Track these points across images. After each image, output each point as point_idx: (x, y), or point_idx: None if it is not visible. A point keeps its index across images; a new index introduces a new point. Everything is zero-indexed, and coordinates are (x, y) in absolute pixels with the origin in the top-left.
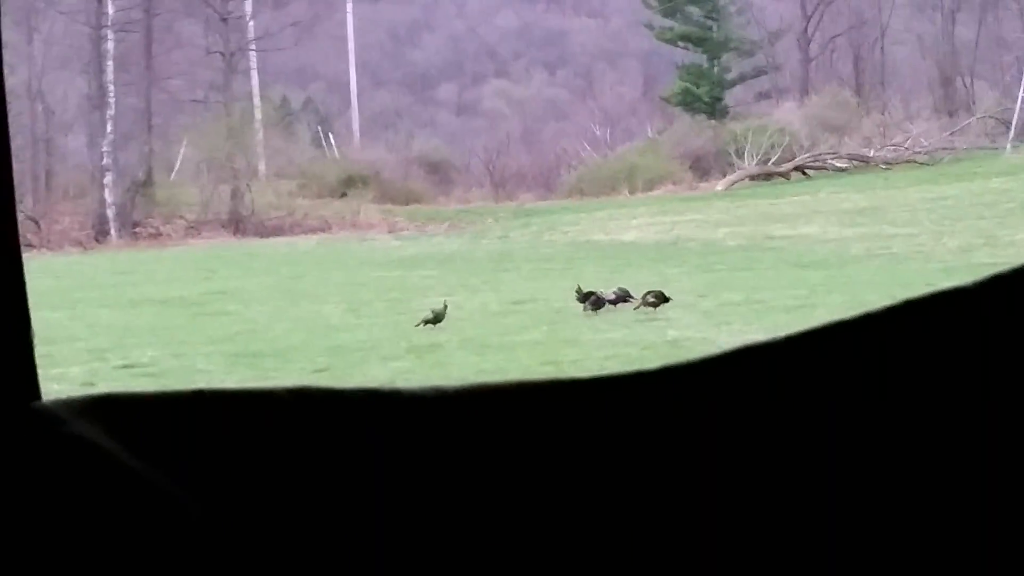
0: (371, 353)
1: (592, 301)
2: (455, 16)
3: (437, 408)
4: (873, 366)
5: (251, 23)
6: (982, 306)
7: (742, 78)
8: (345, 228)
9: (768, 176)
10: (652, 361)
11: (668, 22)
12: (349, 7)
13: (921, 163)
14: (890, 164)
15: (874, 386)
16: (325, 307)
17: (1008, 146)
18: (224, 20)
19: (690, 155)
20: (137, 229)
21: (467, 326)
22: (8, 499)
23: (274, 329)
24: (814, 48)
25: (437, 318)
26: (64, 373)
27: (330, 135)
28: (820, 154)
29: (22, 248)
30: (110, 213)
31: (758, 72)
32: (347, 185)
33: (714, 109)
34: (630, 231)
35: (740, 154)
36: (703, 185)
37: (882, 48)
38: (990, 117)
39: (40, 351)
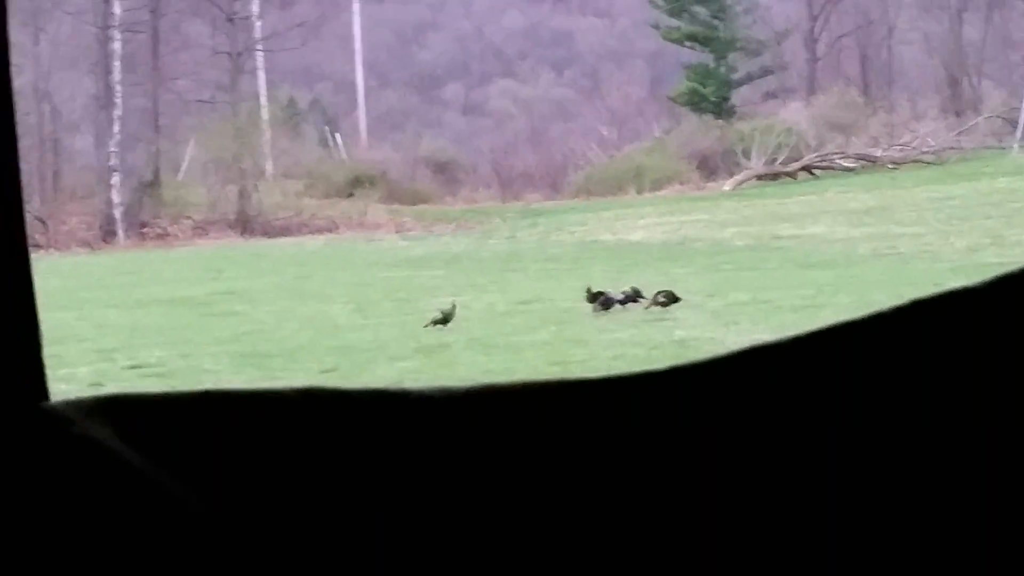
0: (378, 353)
1: (602, 301)
2: (462, 16)
3: (445, 409)
4: (881, 366)
5: (258, 23)
6: (990, 306)
7: (749, 78)
8: (352, 228)
9: (775, 176)
10: (660, 361)
11: (675, 22)
12: (355, 7)
13: (928, 163)
14: (897, 164)
15: (882, 387)
16: (332, 307)
17: (1015, 146)
18: (231, 20)
19: (697, 155)
20: (144, 229)
21: (474, 326)
22: (17, 500)
23: (281, 329)
24: (821, 48)
25: (446, 318)
26: (72, 373)
27: (337, 135)
28: (827, 154)
29: (30, 248)
30: (117, 213)
31: (765, 72)
32: (354, 185)
33: (721, 109)
34: (637, 231)
35: (747, 154)
36: (710, 185)
37: (889, 48)
38: (997, 117)
39: (48, 351)
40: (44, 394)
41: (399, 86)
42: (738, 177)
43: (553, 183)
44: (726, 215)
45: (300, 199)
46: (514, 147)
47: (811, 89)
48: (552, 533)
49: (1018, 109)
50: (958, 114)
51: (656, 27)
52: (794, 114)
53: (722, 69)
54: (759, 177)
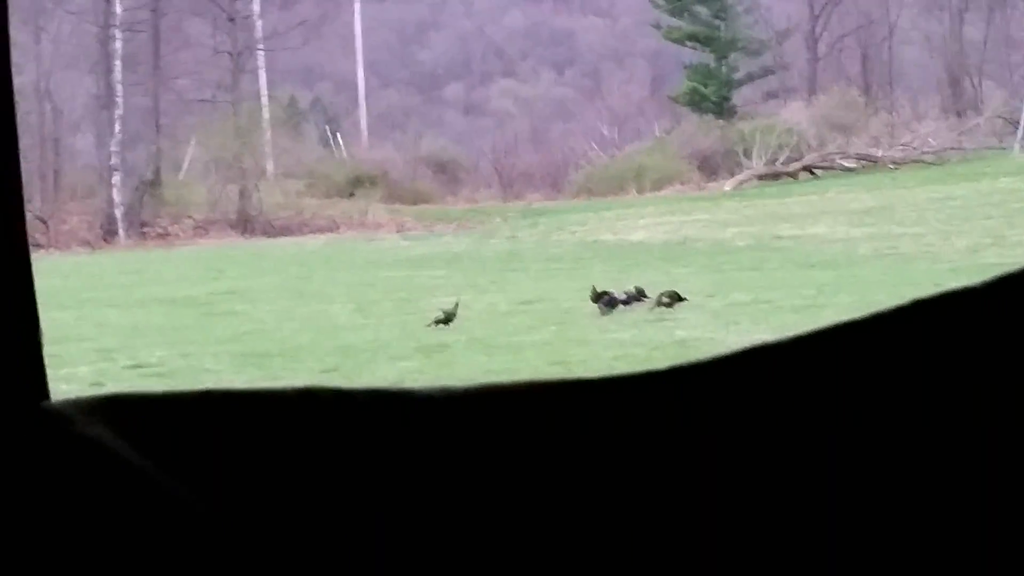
0: (379, 353)
1: (606, 301)
2: (462, 16)
3: (446, 409)
4: (882, 367)
5: (259, 23)
6: (991, 306)
7: (750, 78)
8: (353, 228)
9: (776, 176)
10: (661, 361)
11: (676, 21)
12: (356, 7)
13: (929, 163)
14: (898, 164)
15: (883, 387)
16: (333, 307)
17: (1016, 146)
18: (232, 20)
19: (698, 155)
20: (145, 229)
21: (475, 326)
22: (17, 499)
23: (282, 329)
24: (822, 48)
25: (448, 318)
26: (73, 373)
27: (338, 135)
28: (828, 154)
29: (30, 248)
30: (118, 213)
31: (766, 72)
32: (355, 185)
33: (722, 109)
34: (638, 231)
35: (748, 154)
36: (711, 185)
37: (890, 48)
38: (998, 117)
39: (48, 351)
40: (44, 393)
41: (400, 86)
42: (739, 177)
43: (554, 183)
44: (727, 215)
45: (301, 199)
46: (515, 147)
47: (812, 89)
48: (554, 533)
49: (1019, 109)
50: (959, 114)
51: (657, 27)
52: (795, 114)
53: (723, 69)
54: (760, 177)
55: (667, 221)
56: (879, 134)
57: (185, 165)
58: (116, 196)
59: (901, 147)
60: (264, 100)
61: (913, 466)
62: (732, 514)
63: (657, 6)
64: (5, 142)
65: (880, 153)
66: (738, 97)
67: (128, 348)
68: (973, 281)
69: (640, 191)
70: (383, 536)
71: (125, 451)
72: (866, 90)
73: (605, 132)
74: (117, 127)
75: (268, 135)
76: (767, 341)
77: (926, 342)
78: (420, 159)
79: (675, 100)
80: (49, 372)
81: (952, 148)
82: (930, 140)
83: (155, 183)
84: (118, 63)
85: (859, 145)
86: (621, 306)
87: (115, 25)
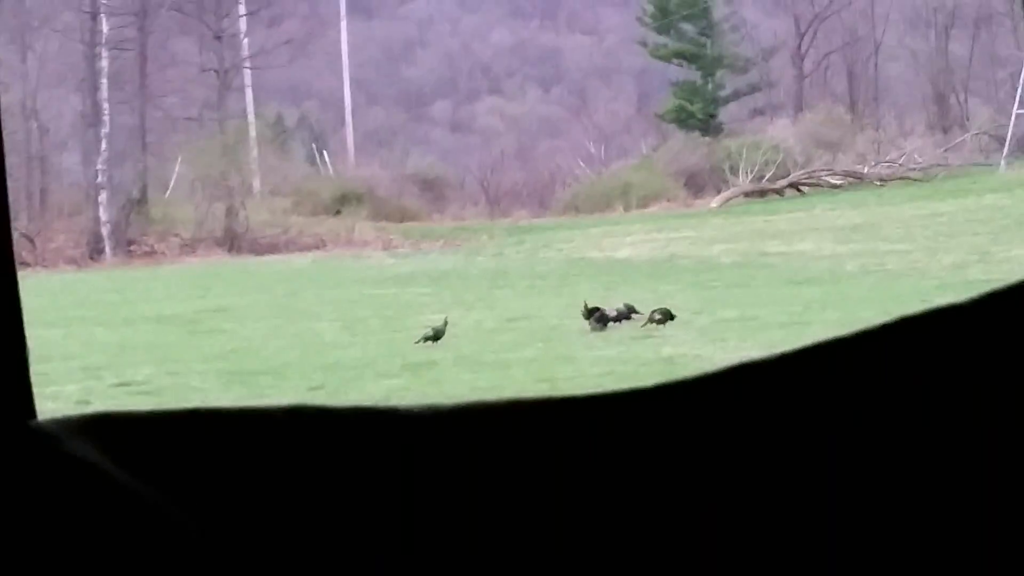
0: (366, 371)
1: (597, 317)
2: (449, 34)
3: (432, 426)
4: (869, 383)
5: (245, 41)
6: (977, 323)
7: (736, 95)
8: (340, 245)
9: (762, 193)
10: (648, 378)
11: (662, 39)
12: (343, 24)
13: (915, 179)
14: (884, 180)
15: (870, 403)
16: (320, 325)
17: (1002, 162)
18: (218, 38)
19: (684, 172)
20: (132, 247)
21: (462, 343)
22: (4, 517)
23: (269, 347)
24: (808, 65)
25: (437, 335)
26: (59, 391)
27: (324, 152)
28: (814, 171)
29: (17, 266)
30: (105, 231)
31: (752, 89)
32: (341, 202)
33: (708, 126)
34: (625, 248)
35: (734, 171)
36: (698, 202)
37: (876, 65)
38: (984, 134)
39: (35, 369)
40: (31, 412)
41: (387, 103)
42: (725, 194)
43: (541, 200)
44: (713, 232)
45: (287, 216)
46: (501, 164)
47: (798, 106)
48: (540, 549)
49: (1005, 126)
50: (945, 131)
51: (644, 44)
52: (781, 131)
53: (709, 86)
54: (746, 194)
55: (654, 238)
56: (865, 151)
57: (172, 183)
58: (103, 214)
59: (887, 164)
60: (251, 118)
61: (901, 481)
62: (720, 530)
63: (643, 24)
64: None
65: (866, 170)
66: (724, 114)
67: (115, 366)
68: (960, 298)
69: (627, 208)
70: (370, 552)
71: (112, 470)
72: (852, 107)
73: (592, 149)
74: (104, 145)
75: (255, 153)
76: (754, 358)
77: (913, 359)
78: (407, 176)
79: (662, 117)
80: (35, 390)
81: (938, 165)
82: (916, 157)
83: (142, 201)
84: (104, 81)
85: (845, 162)
86: (612, 323)
87: (101, 44)
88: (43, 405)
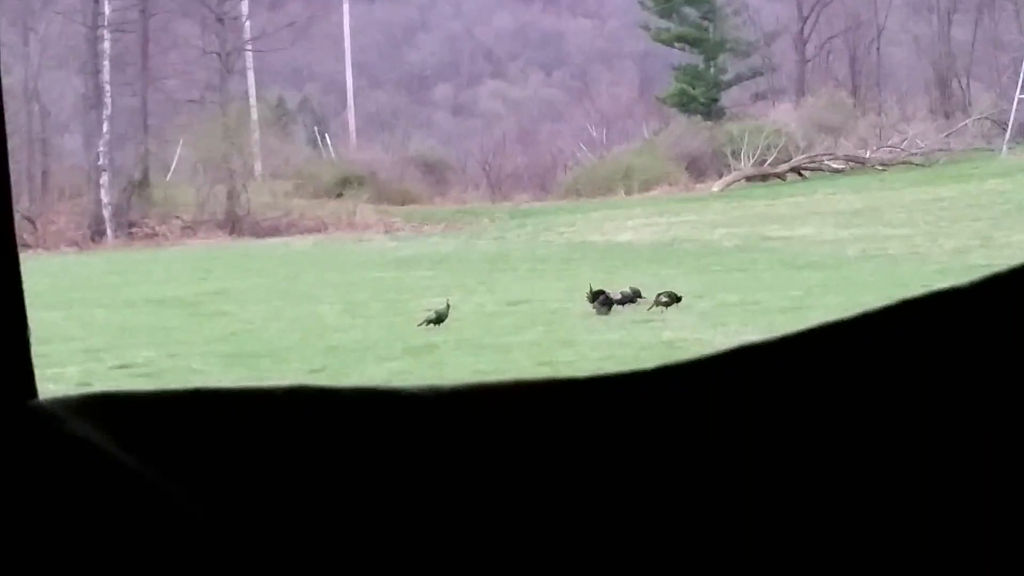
0: (367, 353)
1: (602, 300)
2: (451, 17)
3: (433, 407)
4: (870, 366)
5: (247, 23)
6: (979, 306)
7: (738, 79)
8: (341, 228)
9: (764, 177)
10: (649, 362)
11: (664, 23)
12: (345, 8)
13: (917, 164)
14: (886, 165)
15: (870, 386)
16: (321, 307)
17: (1004, 148)
18: (220, 20)
19: (686, 156)
20: (133, 229)
21: (463, 327)
22: (5, 497)
23: (270, 329)
24: (810, 49)
25: (440, 318)
26: (60, 373)
27: (326, 135)
28: (816, 155)
29: (18, 248)
30: (106, 213)
31: (754, 73)
32: (343, 185)
33: (710, 110)
34: (626, 232)
35: (736, 155)
36: (699, 186)
37: (878, 49)
38: (986, 118)
39: (36, 351)
40: (32, 392)
41: (388, 86)
42: (727, 178)
43: (542, 184)
44: (715, 216)
45: (289, 199)
46: (503, 148)
47: (800, 90)
48: (541, 531)
49: (1007, 111)
50: (947, 116)
51: (646, 28)
52: (783, 115)
53: (711, 70)
54: (748, 178)
55: (655, 222)
56: (867, 136)
57: (173, 165)
58: (104, 196)
59: (889, 149)
60: (252, 101)
61: (902, 465)
62: (719, 513)
63: (646, 8)
64: None
65: (868, 154)
66: (726, 98)
67: (116, 348)
68: (961, 282)
69: (628, 192)
70: (372, 534)
71: (112, 449)
72: (854, 92)
73: (593, 133)
74: (105, 127)
75: (256, 136)
76: (755, 341)
77: (914, 341)
78: (408, 160)
79: (663, 101)
80: (36, 372)
81: (940, 150)
82: (918, 142)
83: (143, 183)
84: (106, 63)
85: (847, 147)
86: (617, 306)
87: (103, 26)
88: (44, 387)
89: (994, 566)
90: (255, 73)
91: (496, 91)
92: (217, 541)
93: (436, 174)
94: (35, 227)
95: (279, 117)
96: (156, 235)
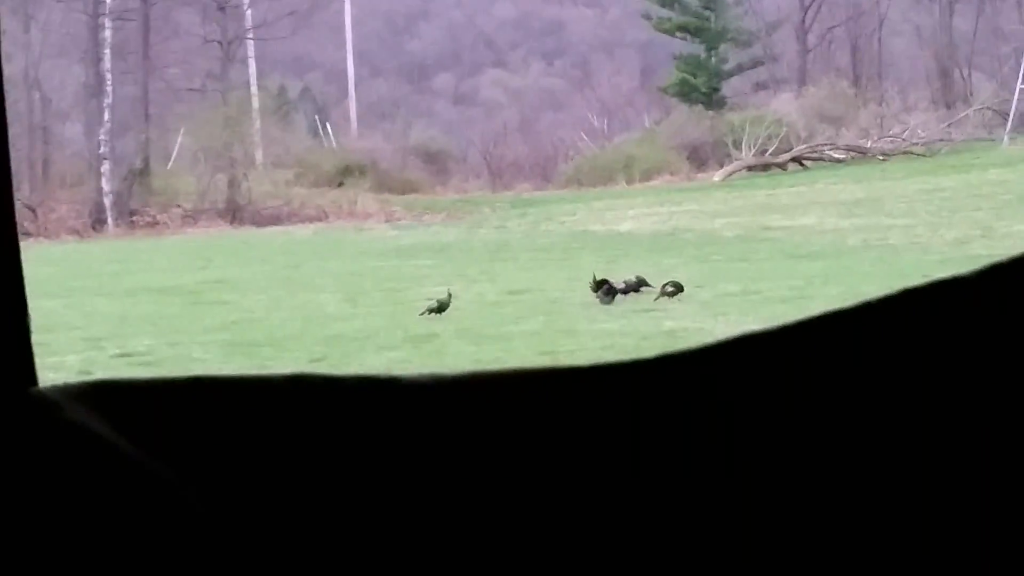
0: (368, 342)
1: (606, 290)
2: (453, 6)
3: (434, 395)
4: (871, 355)
5: (248, 12)
6: (981, 295)
7: (740, 69)
8: (342, 217)
9: (765, 167)
10: (649, 351)
11: (666, 12)
12: None
13: (918, 154)
14: (887, 155)
15: (872, 375)
16: (322, 296)
17: (1005, 138)
18: (222, 9)
19: (687, 146)
20: (134, 218)
21: (464, 316)
22: (5, 485)
23: (271, 318)
24: (812, 39)
25: (441, 307)
26: (61, 362)
27: (327, 124)
28: (817, 145)
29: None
30: (107, 202)
31: (756, 63)
32: (344, 174)
33: (711, 100)
34: (627, 221)
35: (737, 145)
36: (700, 176)
37: (880, 39)
38: (987, 109)
39: (36, 339)
40: (33, 380)
41: (390, 75)
42: (728, 168)
43: (543, 173)
44: (716, 206)
45: (290, 188)
46: (504, 137)
47: (802, 80)
48: (543, 520)
49: (1008, 101)
50: (948, 106)
51: (647, 17)
52: (784, 105)
53: (713, 60)
54: (749, 168)
55: (656, 212)
56: (868, 125)
57: (174, 154)
58: (105, 185)
59: (890, 139)
60: (253, 89)
61: (902, 454)
62: (720, 502)
63: None
64: None
65: (869, 144)
66: (728, 88)
67: (116, 337)
68: (961, 272)
69: (629, 182)
70: (373, 522)
71: (113, 437)
72: (856, 82)
73: (595, 123)
74: (106, 116)
75: (257, 124)
76: (756, 330)
77: (915, 331)
78: (409, 149)
79: (665, 91)
80: (37, 361)
81: (941, 140)
82: (919, 132)
83: (144, 172)
84: (107, 52)
85: (848, 136)
86: (620, 295)
87: (105, 14)
88: (44, 375)
89: (997, 556)
90: (256, 61)
91: (497, 80)
92: (217, 529)
93: (437, 163)
94: (36, 215)
95: (280, 106)
96: (157, 224)
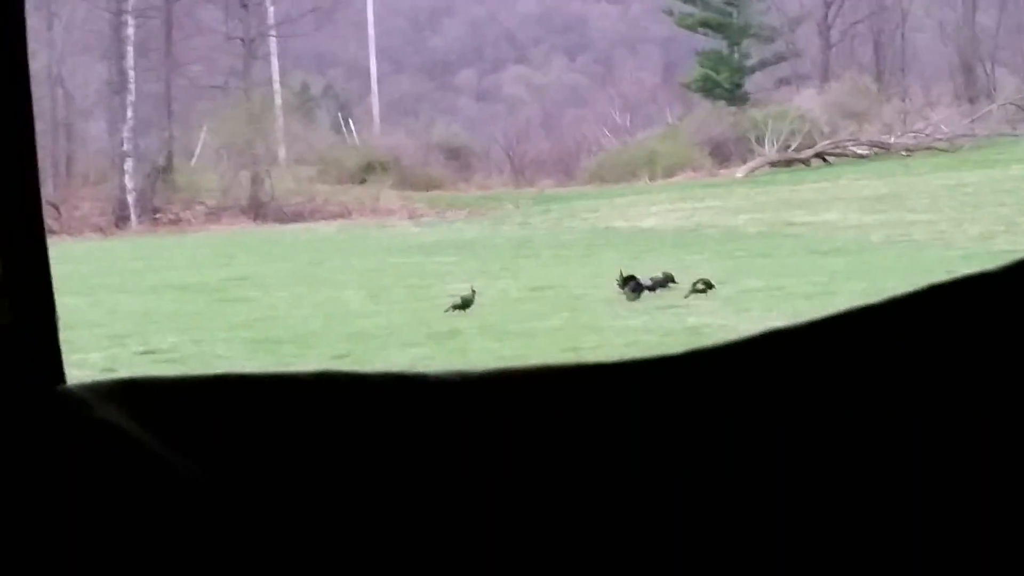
0: (391, 339)
1: (632, 286)
2: (475, 2)
3: (460, 392)
4: (897, 351)
5: (271, 9)
6: (1006, 291)
7: (762, 64)
8: (365, 214)
9: (788, 163)
10: (673, 348)
11: (688, 8)
12: None
13: (941, 150)
14: (910, 151)
15: (898, 371)
16: (345, 293)
17: None
18: (244, 6)
19: (710, 141)
20: (157, 215)
21: (487, 312)
22: (35, 479)
23: (294, 315)
24: (834, 34)
25: (466, 303)
26: (85, 359)
27: (350, 121)
28: (840, 141)
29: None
30: (130, 199)
31: (778, 58)
32: (367, 171)
33: (734, 95)
34: (650, 217)
35: (760, 140)
36: (723, 171)
37: (903, 34)
38: (1011, 104)
39: (60, 337)
40: (61, 377)
41: (412, 72)
42: (751, 164)
43: (566, 169)
44: (739, 202)
45: (313, 185)
46: (527, 133)
47: (824, 76)
48: (567, 512)
49: None
50: (972, 101)
51: (670, 13)
52: (807, 101)
53: (735, 56)
54: (772, 164)
55: (679, 208)
56: (891, 121)
57: (197, 151)
58: (128, 182)
59: (913, 134)
60: (276, 86)
61: (931, 448)
62: (745, 496)
63: None
64: (21, 130)
65: (892, 140)
66: (750, 84)
67: (140, 334)
68: (986, 268)
69: (652, 178)
70: (399, 516)
71: (140, 434)
72: (878, 77)
73: (617, 119)
74: (129, 113)
75: (280, 121)
76: (783, 326)
77: (941, 326)
78: (432, 145)
79: (687, 87)
80: (62, 358)
81: (964, 135)
82: (942, 127)
83: (167, 169)
84: (130, 49)
85: (871, 132)
86: (647, 292)
87: (128, 11)
88: (68, 373)
89: (1018, 548)
90: (279, 59)
91: (520, 76)
92: (243, 524)
93: (460, 160)
94: (59, 213)
95: (303, 103)
96: (180, 221)
